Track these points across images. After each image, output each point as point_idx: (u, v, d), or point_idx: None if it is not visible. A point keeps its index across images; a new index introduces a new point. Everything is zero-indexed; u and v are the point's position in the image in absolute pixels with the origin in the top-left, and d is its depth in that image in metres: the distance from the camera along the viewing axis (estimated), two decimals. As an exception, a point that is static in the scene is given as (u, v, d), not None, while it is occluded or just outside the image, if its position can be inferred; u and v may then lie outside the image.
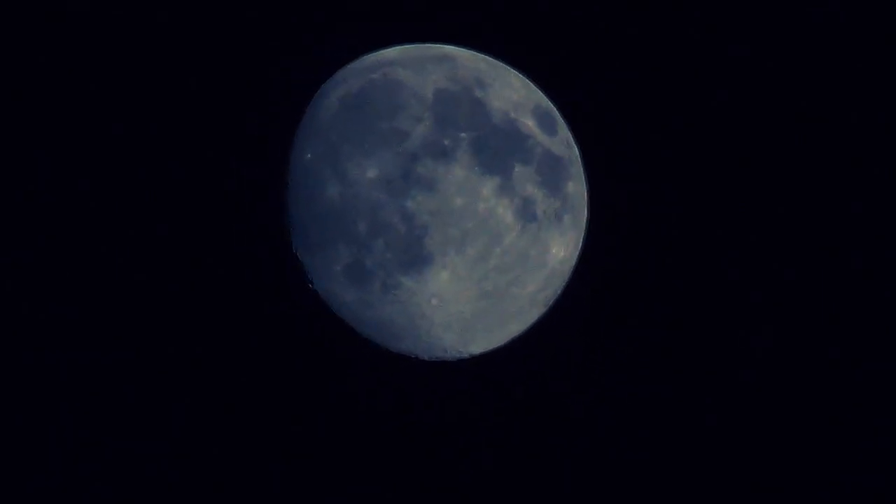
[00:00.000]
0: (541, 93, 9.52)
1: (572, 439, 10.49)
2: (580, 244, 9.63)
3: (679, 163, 10.45)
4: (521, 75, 9.51)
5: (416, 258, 8.78)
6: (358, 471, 10.38)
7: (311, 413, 10.33)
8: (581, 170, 9.57)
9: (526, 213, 8.95)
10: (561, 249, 9.30)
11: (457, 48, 9.44)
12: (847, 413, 10.45)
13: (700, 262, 10.46)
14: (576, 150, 9.57)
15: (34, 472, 10.05)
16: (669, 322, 10.46)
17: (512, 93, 9.22)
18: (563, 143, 9.37)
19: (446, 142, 8.74)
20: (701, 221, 10.45)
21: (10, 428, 10.05)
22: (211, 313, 10.16)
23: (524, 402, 10.46)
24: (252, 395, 10.25)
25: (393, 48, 9.46)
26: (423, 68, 9.07)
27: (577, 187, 9.44)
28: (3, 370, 10.04)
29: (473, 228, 8.76)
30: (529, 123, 9.13)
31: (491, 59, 9.48)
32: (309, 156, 9.09)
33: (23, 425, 10.07)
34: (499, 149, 8.86)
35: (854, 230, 10.44)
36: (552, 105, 9.52)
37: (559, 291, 9.61)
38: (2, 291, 10.05)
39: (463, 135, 8.79)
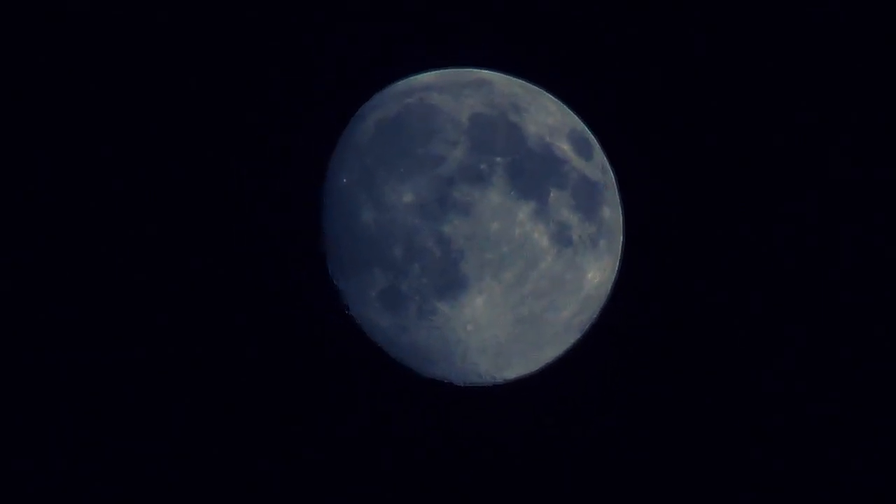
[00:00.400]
0: (576, 117, 9.50)
1: (609, 464, 10.43)
2: (616, 269, 9.59)
3: (716, 188, 10.41)
4: (556, 100, 9.50)
5: (451, 283, 8.75)
6: (389, 495, 10.35)
7: (345, 437, 10.31)
8: (616, 194, 9.54)
9: (561, 237, 8.92)
10: (596, 274, 9.26)
11: (493, 73, 9.44)
12: (847, 413, 10.38)
13: (738, 286, 10.42)
14: (611, 175, 9.54)
15: (34, 472, 10.05)
16: (707, 346, 10.41)
17: (547, 117, 9.21)
18: (598, 167, 9.34)
19: (482, 166, 8.72)
20: (738, 246, 10.41)
21: (10, 428, 10.05)
22: (247, 337, 10.17)
23: (559, 428, 10.41)
24: (286, 417, 10.25)
25: (429, 73, 9.47)
26: (460, 93, 9.07)
27: (612, 212, 9.40)
28: (6, 370, 10.07)
29: (509, 253, 8.73)
30: (565, 148, 9.11)
31: (527, 83, 9.47)
32: (345, 180, 9.09)
33: (23, 425, 10.07)
34: (534, 173, 8.84)
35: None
36: (588, 129, 9.50)
37: (595, 316, 9.57)
38: (7, 291, 10.09)
39: (499, 159, 8.77)
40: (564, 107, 9.49)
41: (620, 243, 9.59)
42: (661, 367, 10.42)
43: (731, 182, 10.43)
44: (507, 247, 8.72)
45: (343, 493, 10.30)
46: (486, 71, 9.45)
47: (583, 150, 9.26)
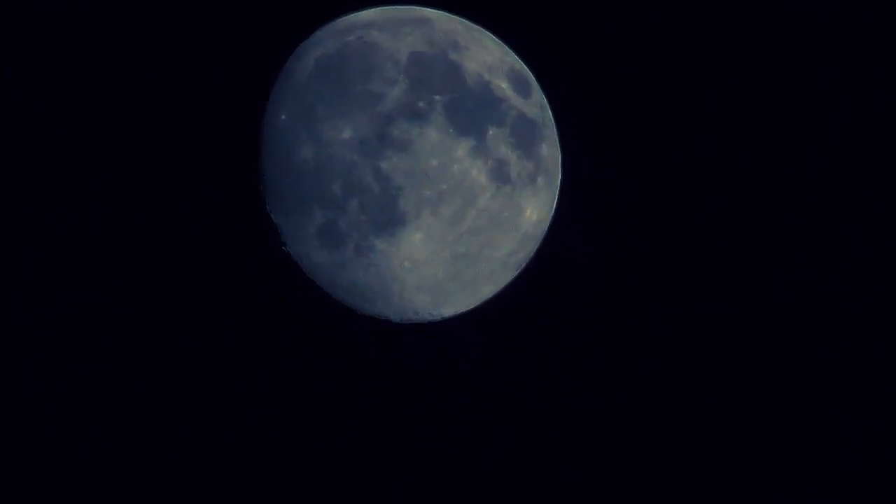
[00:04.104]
0: (515, 56, 9.53)
1: (542, 403, 10.56)
2: (553, 207, 9.67)
3: (652, 127, 10.50)
4: (496, 38, 9.52)
5: (390, 219, 8.78)
6: (329, 433, 10.42)
7: (282, 375, 10.35)
8: (555, 132, 9.59)
9: (500, 175, 8.97)
10: (534, 212, 9.33)
11: (433, 11, 9.43)
12: (847, 413, 10.50)
13: (672, 225, 10.53)
14: (549, 113, 9.59)
15: (34, 472, 10.04)
16: (641, 284, 10.53)
17: (487, 55, 9.22)
18: (536, 105, 9.38)
19: (421, 104, 8.74)
20: (674, 186, 10.51)
21: (9, 428, 10.03)
22: (182, 275, 10.15)
23: (496, 364, 10.52)
24: (223, 355, 10.26)
25: (370, 10, 9.43)
26: (399, 31, 9.06)
27: (550, 150, 9.46)
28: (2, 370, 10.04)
29: (448, 190, 8.77)
30: (504, 86, 9.14)
31: (467, 21, 9.47)
32: (284, 117, 9.07)
33: (22, 425, 10.06)
34: (473, 111, 8.87)
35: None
36: (526, 68, 9.54)
37: (532, 254, 9.66)
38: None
39: (437, 97, 8.78)
40: (504, 45, 9.51)
41: (558, 181, 9.66)
42: (597, 306, 10.54)
43: (669, 122, 10.52)
44: (446, 184, 8.76)
45: (279, 429, 10.36)
46: (426, 9, 9.44)
47: (521, 88, 9.29)
